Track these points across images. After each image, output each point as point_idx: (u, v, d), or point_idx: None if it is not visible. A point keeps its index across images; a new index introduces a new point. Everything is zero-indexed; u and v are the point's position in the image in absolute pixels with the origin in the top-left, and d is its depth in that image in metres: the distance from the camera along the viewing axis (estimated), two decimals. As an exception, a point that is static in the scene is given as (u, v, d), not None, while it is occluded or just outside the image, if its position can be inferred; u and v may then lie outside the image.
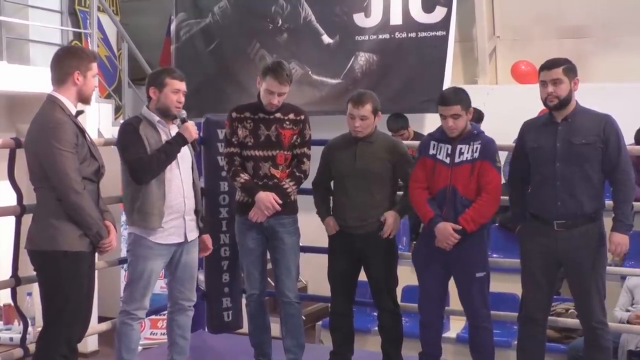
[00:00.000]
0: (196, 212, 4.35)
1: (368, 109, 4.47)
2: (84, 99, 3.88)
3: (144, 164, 4.09)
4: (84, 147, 3.77)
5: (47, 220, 3.73)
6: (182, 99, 4.25)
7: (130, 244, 4.27)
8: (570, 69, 4.18)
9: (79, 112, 3.86)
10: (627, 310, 5.68)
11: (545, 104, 4.23)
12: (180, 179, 4.23)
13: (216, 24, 8.68)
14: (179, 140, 4.18)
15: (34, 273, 3.90)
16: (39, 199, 3.80)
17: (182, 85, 4.26)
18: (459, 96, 4.34)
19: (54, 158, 3.64)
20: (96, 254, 3.96)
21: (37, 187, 3.79)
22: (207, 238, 4.56)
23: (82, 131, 3.80)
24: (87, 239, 3.77)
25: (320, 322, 6.83)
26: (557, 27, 8.56)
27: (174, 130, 4.26)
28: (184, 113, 4.25)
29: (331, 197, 4.70)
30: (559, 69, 4.16)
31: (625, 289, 5.78)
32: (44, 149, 3.66)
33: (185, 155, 4.28)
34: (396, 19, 7.83)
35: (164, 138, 4.19)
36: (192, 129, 4.21)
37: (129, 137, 4.16)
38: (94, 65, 3.88)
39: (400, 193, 4.66)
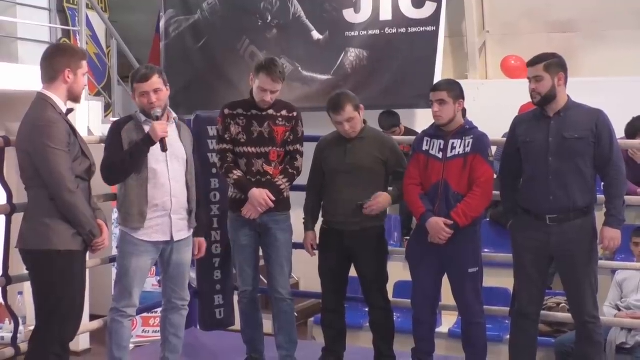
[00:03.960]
0: (189, 211, 4.31)
1: (350, 110, 4.46)
2: (74, 98, 3.86)
3: (109, 166, 4.10)
4: (75, 146, 3.75)
5: (39, 219, 3.71)
6: (154, 98, 4.13)
7: (118, 241, 4.29)
8: (552, 65, 4.18)
9: (70, 111, 3.85)
10: (616, 305, 5.69)
11: (531, 99, 4.25)
12: (168, 177, 4.20)
13: (205, 20, 8.66)
14: (146, 141, 4.10)
15: (25, 272, 3.88)
16: (30, 198, 3.78)
17: (146, 86, 4.13)
18: (448, 84, 4.43)
19: (47, 157, 3.62)
20: (87, 253, 3.95)
21: (28, 186, 3.77)
22: (201, 242, 4.50)
23: (73, 129, 3.79)
24: (80, 238, 3.76)
25: (312, 319, 6.84)
26: (546, 21, 8.59)
27: None
28: (158, 112, 4.15)
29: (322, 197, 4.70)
30: (539, 66, 4.18)
31: (615, 284, 5.80)
32: (36, 148, 3.64)
33: (178, 153, 4.25)
34: (386, 14, 7.82)
35: None
36: (157, 129, 4.08)
37: (109, 137, 4.21)
38: (85, 64, 3.86)
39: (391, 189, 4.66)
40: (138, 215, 4.14)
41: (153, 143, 4.10)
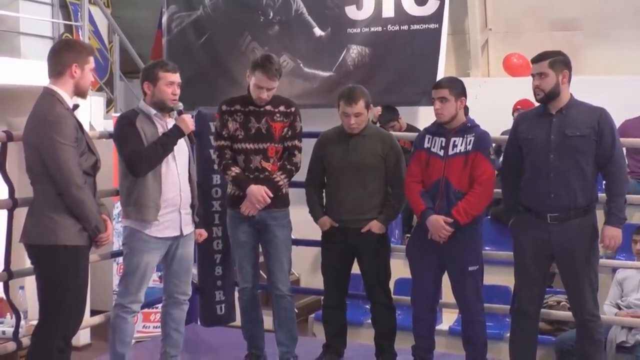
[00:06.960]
0: (192, 206, 4.34)
1: (361, 106, 4.47)
2: (81, 93, 3.86)
3: (140, 156, 4.08)
4: (82, 141, 3.75)
5: (46, 214, 3.70)
6: (177, 91, 4.24)
7: (126, 237, 4.25)
8: (557, 62, 4.18)
9: (76, 106, 3.85)
10: (617, 304, 5.69)
11: (534, 96, 4.25)
12: (177, 172, 4.22)
13: (207, 16, 8.66)
14: (176, 132, 4.17)
15: (27, 267, 3.88)
16: (37, 193, 3.76)
17: (175, 77, 4.23)
18: (450, 82, 4.43)
19: (56, 152, 3.62)
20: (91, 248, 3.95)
21: (35, 181, 3.75)
22: (202, 232, 4.57)
23: (80, 125, 3.79)
24: (86, 233, 3.76)
25: (313, 315, 6.84)
26: (549, 19, 8.59)
27: (170, 123, 4.25)
28: (180, 105, 4.24)
29: (324, 193, 4.70)
30: (544, 62, 4.18)
31: (615, 282, 5.79)
32: (45, 143, 3.64)
33: (181, 148, 4.27)
34: (388, 11, 7.82)
35: (161, 131, 4.19)
36: (188, 121, 4.21)
37: (126, 130, 4.16)
38: (91, 59, 3.86)
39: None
40: (154, 209, 4.15)
41: (182, 135, 4.19)
